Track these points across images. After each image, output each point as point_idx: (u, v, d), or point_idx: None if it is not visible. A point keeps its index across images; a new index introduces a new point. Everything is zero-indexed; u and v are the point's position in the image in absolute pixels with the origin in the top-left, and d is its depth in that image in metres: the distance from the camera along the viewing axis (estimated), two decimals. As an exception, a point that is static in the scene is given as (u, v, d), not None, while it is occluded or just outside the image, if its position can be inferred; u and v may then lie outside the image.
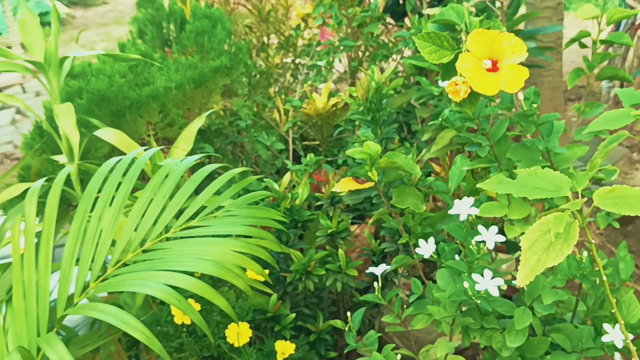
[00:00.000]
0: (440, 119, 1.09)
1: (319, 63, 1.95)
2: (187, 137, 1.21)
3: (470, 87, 0.89)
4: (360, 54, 2.11)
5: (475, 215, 1.09)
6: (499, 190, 0.79)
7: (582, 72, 1.22)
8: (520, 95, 0.96)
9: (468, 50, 0.89)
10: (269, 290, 1.18)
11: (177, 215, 0.99)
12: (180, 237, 0.94)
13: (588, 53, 1.26)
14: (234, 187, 0.95)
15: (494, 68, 0.89)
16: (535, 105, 0.95)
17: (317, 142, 2.03)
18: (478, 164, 1.11)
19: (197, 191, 1.04)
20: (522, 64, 2.21)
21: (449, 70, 0.95)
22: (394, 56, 2.19)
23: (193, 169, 1.40)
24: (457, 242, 1.11)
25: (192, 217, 0.98)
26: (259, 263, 0.93)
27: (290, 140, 1.82)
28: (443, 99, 1.58)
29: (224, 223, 0.89)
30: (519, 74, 0.88)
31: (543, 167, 1.02)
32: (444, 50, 0.93)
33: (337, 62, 2.28)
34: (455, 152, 1.75)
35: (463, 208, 1.08)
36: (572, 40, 1.24)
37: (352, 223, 1.68)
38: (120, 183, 0.97)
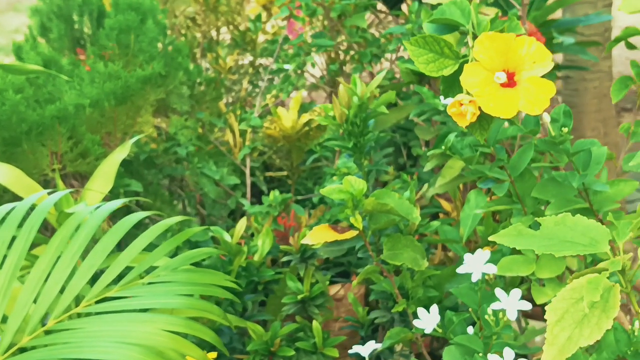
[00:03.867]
0: (443, 147, 1.13)
1: (286, 66, 1.99)
2: (106, 172, 1.23)
3: (480, 108, 0.93)
4: (344, 53, 2.16)
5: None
6: (517, 245, 0.82)
7: (630, 80, 1.27)
8: (546, 117, 1.00)
9: (476, 60, 0.93)
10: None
11: (93, 282, 1.01)
12: (96, 313, 0.96)
13: None
14: (169, 242, 0.97)
15: (510, 82, 0.93)
16: (566, 129, 0.99)
17: (286, 173, 2.06)
18: (495, 206, 1.15)
19: (123, 248, 1.06)
20: (555, 67, 2.26)
21: (452, 84, 0.99)
22: (388, 55, 2.24)
23: (116, 216, 1.42)
24: (471, 310, 1.15)
25: (113, 284, 1.00)
26: (203, 345, 0.95)
27: (247, 171, 1.85)
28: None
29: (154, 292, 0.92)
30: (543, 90, 0.92)
31: (579, 210, 1.06)
32: (444, 59, 0.97)
33: (312, 63, 2.32)
34: (471, 186, 1.79)
35: (476, 264, 1.11)
36: (617, 40, 1.30)
37: (334, 282, 1.71)
38: (14, 238, 0.99)
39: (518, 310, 1.03)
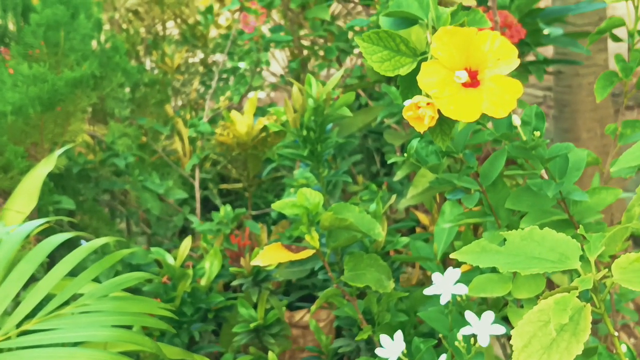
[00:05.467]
0: (406, 154, 1.14)
1: (241, 64, 2.00)
2: (29, 189, 1.23)
3: (439, 111, 0.94)
4: (307, 49, 2.17)
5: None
6: (480, 263, 0.84)
7: (615, 76, 1.30)
8: (516, 120, 1.02)
9: (435, 57, 0.95)
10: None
11: (11, 312, 1.02)
12: (16, 348, 0.96)
13: None
14: (93, 267, 0.98)
15: (473, 82, 0.94)
16: (538, 133, 1.01)
17: (243, 185, 2.07)
18: (465, 219, 1.17)
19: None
20: (545, 61, 2.27)
21: (411, 85, 1.00)
22: (357, 51, 2.25)
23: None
24: (441, 336, 1.16)
25: (33, 315, 1.00)
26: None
27: (196, 184, 1.86)
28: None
29: (77, 324, 0.92)
30: (509, 90, 0.93)
31: (557, 222, 1.08)
32: (401, 57, 0.99)
33: (273, 60, 2.33)
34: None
35: (446, 285, 1.13)
36: (600, 31, 1.32)
37: (299, 307, 1.72)
38: None
39: (502, 335, 1.04)
